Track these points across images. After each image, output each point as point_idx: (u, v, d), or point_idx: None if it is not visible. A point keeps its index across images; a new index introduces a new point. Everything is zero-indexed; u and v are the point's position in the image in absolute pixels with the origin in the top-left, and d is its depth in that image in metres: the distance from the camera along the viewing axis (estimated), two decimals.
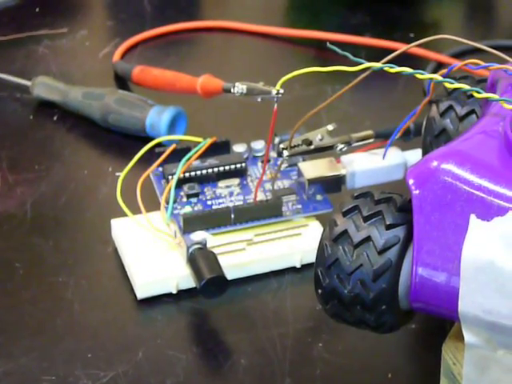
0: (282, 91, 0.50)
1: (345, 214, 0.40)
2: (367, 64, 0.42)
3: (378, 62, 0.42)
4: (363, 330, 0.41)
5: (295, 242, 0.52)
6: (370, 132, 0.55)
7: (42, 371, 0.45)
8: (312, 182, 0.54)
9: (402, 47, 0.46)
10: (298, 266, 0.52)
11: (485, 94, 0.41)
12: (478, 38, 0.55)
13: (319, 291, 0.41)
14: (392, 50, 0.46)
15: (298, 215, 0.53)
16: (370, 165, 0.54)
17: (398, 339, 0.46)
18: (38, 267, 0.52)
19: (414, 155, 0.53)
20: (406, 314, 0.41)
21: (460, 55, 0.65)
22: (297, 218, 0.53)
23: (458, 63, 0.44)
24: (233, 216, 0.52)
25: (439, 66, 0.64)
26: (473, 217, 0.37)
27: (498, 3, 0.74)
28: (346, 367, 0.46)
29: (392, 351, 0.47)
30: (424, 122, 0.48)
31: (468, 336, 0.39)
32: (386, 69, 0.42)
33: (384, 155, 0.53)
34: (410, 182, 0.39)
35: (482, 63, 0.43)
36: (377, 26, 0.71)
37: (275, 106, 0.50)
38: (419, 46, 0.45)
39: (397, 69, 0.42)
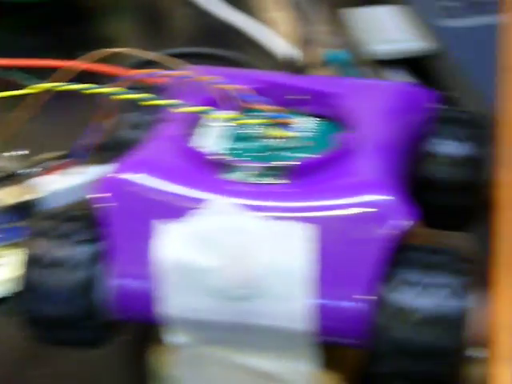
0: None
1: (34, 236, 0.40)
2: (42, 85, 0.42)
3: (59, 82, 0.42)
4: (72, 348, 0.41)
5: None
6: (55, 153, 0.54)
7: None
8: (7, 209, 0.53)
9: (79, 65, 0.46)
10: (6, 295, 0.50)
11: (161, 101, 0.42)
12: (157, 49, 0.56)
13: (22, 317, 0.40)
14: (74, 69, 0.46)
15: None
16: (62, 185, 0.53)
17: (108, 353, 0.46)
18: None
19: (103, 170, 0.53)
20: (112, 326, 0.41)
21: (139, 67, 0.65)
22: None
23: (134, 75, 0.45)
24: None
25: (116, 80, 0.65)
26: (161, 221, 0.38)
27: (170, 13, 0.76)
28: None
29: (99, 369, 0.46)
30: (109, 137, 0.48)
31: (176, 337, 0.39)
32: (55, 88, 0.42)
33: (70, 175, 0.53)
34: (97, 196, 0.39)
35: (158, 72, 0.44)
36: (58, 46, 0.70)
37: None
38: (97, 61, 0.45)
39: (70, 86, 0.42)
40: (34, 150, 0.55)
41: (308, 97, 0.43)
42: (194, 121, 0.42)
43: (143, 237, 0.38)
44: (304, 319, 0.37)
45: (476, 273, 0.38)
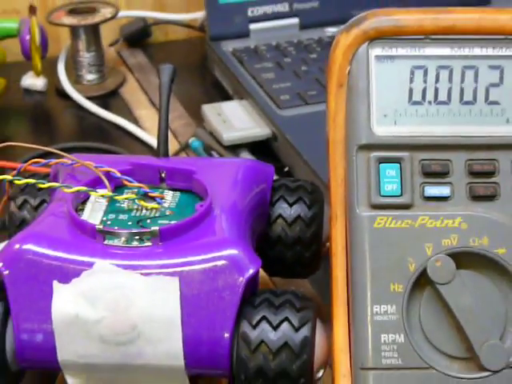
0: None
1: None
2: None
3: None
4: None
5: None
6: None
7: None
8: None
9: None
10: None
11: (48, 184, 0.42)
12: (47, 144, 0.56)
13: None
14: None
15: None
16: None
17: None
18: None
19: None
20: (17, 373, 0.40)
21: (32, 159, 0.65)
22: None
23: (24, 164, 0.44)
24: None
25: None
26: (55, 282, 0.37)
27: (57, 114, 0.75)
28: None
29: None
30: (7, 217, 0.47)
31: (70, 380, 0.39)
32: None
33: None
34: (0, 265, 0.38)
35: (43, 161, 0.44)
36: None
37: None
38: None
39: None
40: None
41: (170, 174, 0.44)
42: (80, 198, 0.42)
43: (43, 296, 0.37)
44: (177, 356, 0.37)
45: (315, 308, 0.39)
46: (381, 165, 0.38)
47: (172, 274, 0.37)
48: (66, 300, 0.37)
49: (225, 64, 0.73)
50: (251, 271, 0.38)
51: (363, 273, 0.37)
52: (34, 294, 0.38)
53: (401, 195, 0.38)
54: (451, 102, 0.38)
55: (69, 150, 0.45)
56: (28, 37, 0.72)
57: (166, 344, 0.37)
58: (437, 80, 0.38)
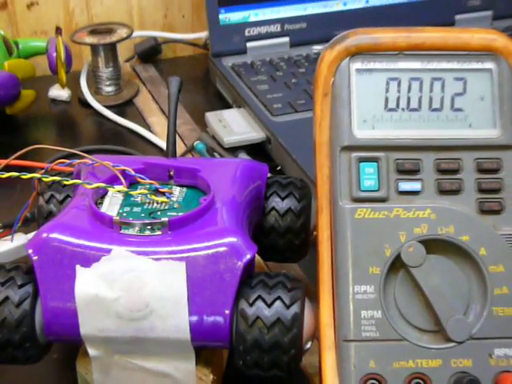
0: None
1: None
2: None
3: None
4: (19, 364, 0.40)
5: None
6: (2, 223, 0.53)
7: None
8: None
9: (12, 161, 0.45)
10: None
11: (71, 181, 0.42)
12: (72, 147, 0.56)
13: None
14: None
15: None
16: (4, 248, 0.52)
17: (44, 368, 0.44)
18: None
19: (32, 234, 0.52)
20: (46, 345, 0.40)
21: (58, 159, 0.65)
22: None
23: (51, 164, 0.44)
24: None
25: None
26: (78, 266, 0.37)
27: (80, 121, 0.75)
28: None
29: (42, 378, 0.45)
30: (36, 210, 0.47)
31: (91, 351, 0.39)
32: None
33: (12, 239, 0.51)
34: (30, 251, 0.38)
35: (68, 161, 0.44)
36: None
37: None
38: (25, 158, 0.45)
39: (8, 174, 0.41)
40: None
41: (177, 172, 0.44)
42: (99, 193, 0.42)
43: (67, 278, 0.37)
44: (184, 330, 0.37)
45: (304, 288, 0.39)
46: (361, 164, 0.38)
47: (179, 259, 0.37)
48: (87, 282, 0.37)
49: (225, 77, 0.73)
50: (248, 256, 0.38)
51: (345, 257, 0.37)
52: (59, 276, 0.38)
53: (378, 190, 0.37)
54: (421, 109, 0.38)
55: (90, 152, 0.45)
56: (54, 54, 0.72)
57: (175, 319, 0.37)
58: (409, 90, 0.38)
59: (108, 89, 0.77)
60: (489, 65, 0.38)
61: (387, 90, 0.38)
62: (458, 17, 0.81)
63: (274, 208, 0.45)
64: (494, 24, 0.81)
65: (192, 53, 0.86)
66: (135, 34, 0.78)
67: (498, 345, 0.36)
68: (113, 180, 0.42)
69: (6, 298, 0.38)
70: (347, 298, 0.37)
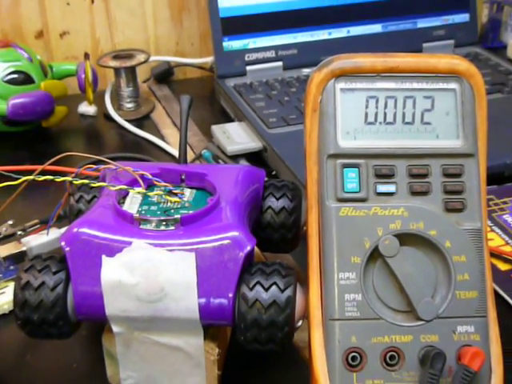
0: None
1: (25, 271, 0.38)
2: (25, 178, 0.41)
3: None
4: (53, 339, 0.40)
5: (3, 296, 0.48)
6: (36, 221, 0.53)
7: None
8: (5, 258, 0.51)
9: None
10: (7, 312, 0.48)
11: (98, 184, 0.42)
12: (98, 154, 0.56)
13: (19, 322, 0.38)
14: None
15: (0, 281, 0.49)
16: (40, 241, 0.52)
17: (74, 343, 0.44)
18: None
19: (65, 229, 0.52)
20: (76, 324, 0.40)
21: (86, 165, 0.64)
22: (0, 283, 0.49)
23: (80, 169, 0.44)
24: None
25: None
26: (103, 256, 0.37)
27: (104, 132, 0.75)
28: (46, 368, 0.44)
29: (73, 351, 0.45)
30: (68, 209, 0.47)
31: (115, 328, 0.39)
32: (36, 178, 0.41)
33: (48, 233, 0.51)
34: (63, 243, 0.38)
35: (94, 167, 0.43)
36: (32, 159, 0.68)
37: None
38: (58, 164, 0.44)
39: (43, 177, 0.41)
40: (22, 220, 0.53)
41: (188, 176, 0.44)
42: (121, 194, 0.42)
43: (95, 266, 0.37)
44: (194, 311, 0.37)
45: (296, 275, 0.38)
46: (344, 169, 0.37)
47: (190, 250, 0.37)
48: (111, 269, 0.37)
49: (228, 95, 0.73)
50: (248, 248, 0.37)
51: (331, 249, 0.37)
52: (87, 265, 0.37)
53: (359, 191, 0.37)
54: (396, 122, 0.38)
55: (113, 159, 0.44)
56: (83, 76, 0.72)
57: (186, 302, 0.37)
58: (385, 106, 0.38)
59: (128, 105, 0.76)
60: (453, 85, 0.38)
61: (367, 107, 0.38)
62: (425, 45, 0.81)
63: (270, 207, 0.45)
64: (455, 51, 0.82)
65: (200, 75, 0.86)
66: (152, 58, 0.78)
67: (460, 323, 0.36)
68: (133, 183, 0.42)
69: (43, 283, 0.38)
70: (333, 283, 0.36)
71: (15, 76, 0.69)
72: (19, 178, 0.42)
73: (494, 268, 0.49)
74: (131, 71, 0.75)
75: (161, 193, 0.42)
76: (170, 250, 0.37)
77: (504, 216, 0.55)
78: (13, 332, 0.44)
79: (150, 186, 0.43)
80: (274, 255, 0.49)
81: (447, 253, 0.37)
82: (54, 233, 0.52)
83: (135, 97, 0.76)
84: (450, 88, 0.38)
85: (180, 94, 0.47)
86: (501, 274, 0.49)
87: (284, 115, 0.67)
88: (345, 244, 0.37)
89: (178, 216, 0.39)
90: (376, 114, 0.38)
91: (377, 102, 0.38)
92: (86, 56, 0.72)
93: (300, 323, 0.39)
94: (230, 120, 0.72)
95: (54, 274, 0.38)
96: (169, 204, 0.41)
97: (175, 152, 0.67)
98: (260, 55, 0.77)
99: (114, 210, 0.40)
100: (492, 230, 0.53)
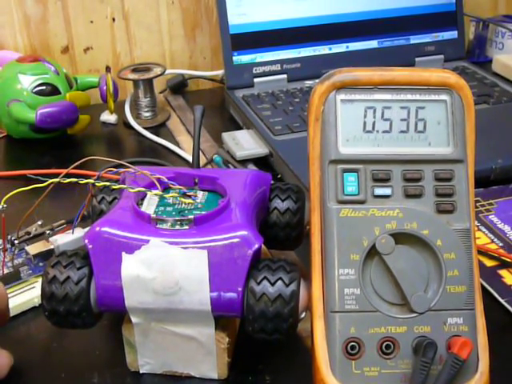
0: (5, 205, 0.46)
1: (52, 266, 0.38)
2: (51, 180, 0.41)
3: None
4: (77, 329, 0.40)
5: (34, 290, 0.48)
6: (63, 221, 0.53)
7: None
8: (34, 256, 0.51)
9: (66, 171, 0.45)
10: (37, 304, 0.48)
11: (118, 186, 0.42)
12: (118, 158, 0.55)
13: (46, 313, 0.39)
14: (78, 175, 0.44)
15: (30, 276, 0.49)
16: (66, 239, 0.51)
17: (97, 332, 0.44)
18: None
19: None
20: (98, 314, 0.40)
21: (107, 169, 0.64)
22: (30, 278, 0.49)
23: (102, 172, 0.44)
24: None
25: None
26: (123, 253, 0.37)
27: (123, 139, 0.75)
28: (71, 355, 0.43)
29: (95, 339, 0.45)
30: (91, 209, 0.47)
31: (133, 319, 0.39)
32: (61, 181, 0.41)
33: (73, 232, 0.51)
34: (86, 241, 0.38)
35: (115, 170, 0.43)
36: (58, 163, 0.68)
37: (2, 215, 0.47)
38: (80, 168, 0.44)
39: (68, 180, 0.41)
40: (49, 220, 0.53)
41: (201, 180, 0.43)
42: (140, 196, 0.42)
43: (115, 262, 0.37)
44: (206, 303, 0.37)
45: (300, 271, 0.38)
46: (344, 173, 0.37)
47: (202, 248, 0.37)
48: (130, 265, 0.37)
49: (237, 105, 0.73)
50: (256, 246, 0.37)
51: (332, 247, 0.36)
52: (108, 261, 0.37)
53: (358, 194, 0.37)
54: (392, 131, 0.38)
55: (132, 163, 0.44)
56: (105, 87, 0.72)
57: (198, 295, 0.37)
58: (382, 116, 0.38)
59: (146, 114, 0.76)
60: (444, 97, 0.38)
61: (365, 116, 0.38)
62: (417, 59, 0.81)
63: (276, 208, 0.45)
64: (444, 65, 0.81)
65: (211, 86, 0.86)
66: (167, 71, 0.78)
67: (450, 315, 0.36)
68: (150, 185, 0.42)
69: (68, 278, 0.38)
70: (333, 278, 0.36)
71: (43, 88, 0.69)
72: (46, 181, 0.42)
73: (480, 264, 0.49)
74: (149, 83, 0.75)
75: (176, 195, 0.42)
76: (185, 248, 0.37)
77: (490, 216, 0.54)
78: (42, 323, 0.44)
79: (165, 188, 0.42)
80: (280, 252, 0.48)
81: (439, 251, 0.36)
82: (79, 232, 0.52)
83: (152, 106, 0.76)
84: (442, 99, 0.38)
85: (193, 104, 0.47)
86: (487, 270, 0.49)
87: (288, 123, 0.67)
88: (345, 242, 0.36)
89: (192, 216, 0.39)
90: (374, 123, 0.38)
91: (374, 112, 0.38)
92: (108, 69, 0.72)
93: (303, 315, 0.38)
94: (239, 128, 0.72)
95: (78, 269, 0.38)
96: (183, 205, 0.41)
97: (189, 157, 0.66)
98: (266, 68, 0.77)
99: (132, 211, 0.40)
100: (479, 230, 0.53)
